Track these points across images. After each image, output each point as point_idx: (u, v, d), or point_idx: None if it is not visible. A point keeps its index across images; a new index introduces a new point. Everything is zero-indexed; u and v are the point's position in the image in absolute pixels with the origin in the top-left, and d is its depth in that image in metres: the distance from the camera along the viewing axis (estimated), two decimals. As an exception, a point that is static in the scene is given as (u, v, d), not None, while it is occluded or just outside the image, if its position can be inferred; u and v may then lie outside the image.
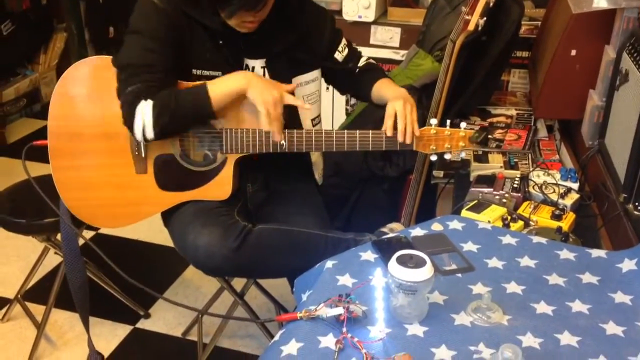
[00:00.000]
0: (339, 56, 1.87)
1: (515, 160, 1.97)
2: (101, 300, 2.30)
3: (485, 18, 1.78)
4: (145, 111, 1.55)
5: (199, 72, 1.67)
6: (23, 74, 3.81)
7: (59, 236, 2.05)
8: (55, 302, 2.19)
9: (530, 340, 1.17)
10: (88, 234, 1.93)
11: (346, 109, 3.14)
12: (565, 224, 1.62)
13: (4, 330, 2.29)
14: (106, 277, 2.31)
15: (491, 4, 1.79)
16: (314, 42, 1.80)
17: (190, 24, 1.62)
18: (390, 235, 1.51)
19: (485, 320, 1.22)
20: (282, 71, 1.77)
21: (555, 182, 1.79)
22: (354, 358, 1.12)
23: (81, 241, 1.83)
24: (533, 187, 1.78)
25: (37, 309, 2.28)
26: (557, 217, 1.63)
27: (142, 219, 1.74)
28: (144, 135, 1.57)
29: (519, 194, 1.76)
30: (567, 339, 1.18)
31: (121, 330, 2.29)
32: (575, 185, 1.80)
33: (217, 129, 1.66)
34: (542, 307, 1.26)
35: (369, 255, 1.42)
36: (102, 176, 1.71)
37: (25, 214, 2.03)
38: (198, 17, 1.63)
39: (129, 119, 1.57)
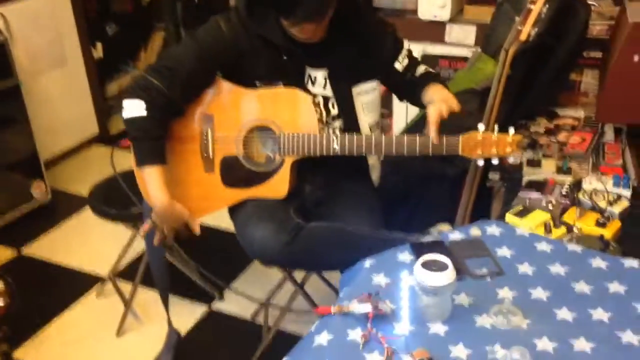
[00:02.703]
0: (399, 66, 1.95)
1: (569, 165, 1.99)
2: (183, 281, 2.54)
3: (537, 29, 1.80)
4: (135, 108, 1.76)
5: (261, 84, 1.83)
6: (125, 71, 4.16)
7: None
8: (142, 281, 2.44)
9: (545, 344, 1.24)
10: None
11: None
12: (609, 231, 1.64)
13: (98, 304, 2.58)
14: (190, 260, 2.55)
15: (543, 15, 1.81)
16: (374, 53, 1.90)
17: (252, 44, 1.79)
18: (428, 238, 1.61)
19: (505, 324, 1.30)
20: (343, 81, 1.89)
21: (605, 189, 1.81)
22: (376, 351, 1.25)
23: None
24: (583, 194, 1.81)
25: (127, 287, 2.55)
26: (601, 225, 1.66)
27: (210, 213, 1.93)
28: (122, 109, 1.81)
29: (567, 201, 1.80)
30: (581, 344, 1.24)
31: (198, 310, 2.52)
32: (627, 192, 1.80)
33: (275, 133, 1.82)
34: (563, 313, 1.32)
35: (405, 256, 1.52)
36: (177, 174, 1.90)
37: (115, 204, 2.28)
38: (264, 33, 1.79)
39: (128, 93, 1.79)
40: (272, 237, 1.74)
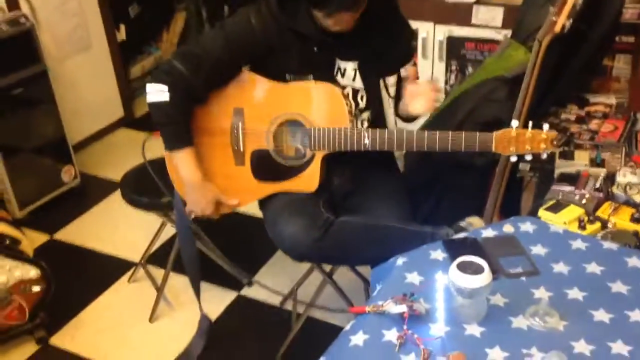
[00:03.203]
0: (403, 73, 1.95)
1: (605, 157, 1.96)
2: (213, 267, 2.57)
3: (571, 20, 1.77)
4: (158, 93, 1.77)
5: (291, 76, 1.83)
6: (148, 52, 4.16)
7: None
8: (173, 267, 2.48)
9: (582, 346, 1.25)
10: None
11: (445, 89, 3.18)
12: (644, 227, 1.63)
13: (130, 290, 2.63)
14: (217, 248, 2.58)
15: (577, 7, 1.78)
16: (394, 49, 1.90)
17: (283, 37, 1.78)
18: (461, 235, 1.61)
19: (542, 325, 1.31)
20: (372, 72, 1.89)
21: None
22: (412, 353, 1.26)
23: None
24: (617, 187, 1.79)
25: (158, 272, 2.60)
26: (636, 220, 1.65)
27: (240, 206, 1.95)
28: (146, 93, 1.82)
29: (601, 194, 1.78)
30: (619, 347, 1.24)
31: (228, 296, 2.56)
32: (663, 186, 1.78)
33: (306, 127, 1.82)
34: (600, 315, 1.32)
35: (438, 254, 1.53)
36: (208, 167, 1.92)
37: (147, 192, 2.31)
38: (295, 25, 1.77)
39: (152, 77, 1.81)
40: (303, 233, 1.75)
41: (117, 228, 3.00)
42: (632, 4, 2.46)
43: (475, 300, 1.30)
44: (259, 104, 1.85)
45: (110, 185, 3.23)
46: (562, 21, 1.76)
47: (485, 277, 1.28)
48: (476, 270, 1.28)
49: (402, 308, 1.32)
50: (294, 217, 1.79)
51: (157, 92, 1.79)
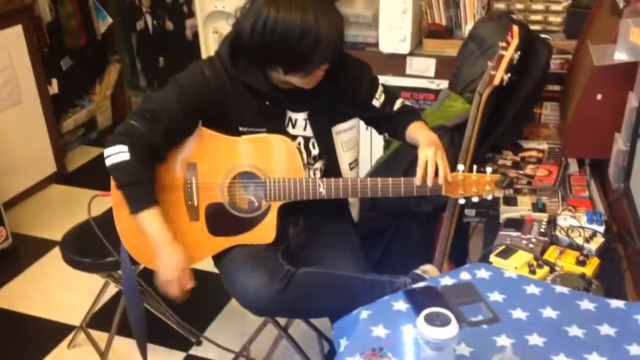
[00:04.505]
0: (376, 103, 2.00)
1: (544, 202, 2.06)
2: (158, 326, 2.48)
3: (509, 74, 1.88)
4: (117, 154, 1.72)
5: (244, 129, 1.83)
6: (80, 105, 4.07)
7: (119, 270, 2.24)
8: (117, 329, 2.38)
9: (548, 392, 1.28)
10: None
11: (384, 137, 3.26)
12: (589, 269, 1.71)
13: (70, 356, 2.50)
14: (164, 304, 2.50)
15: (515, 61, 1.89)
16: (352, 94, 1.94)
17: (235, 90, 1.79)
18: (421, 285, 1.64)
19: (508, 373, 1.33)
20: (322, 121, 1.93)
21: (580, 225, 1.88)
22: (386, 409, 1.26)
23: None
24: (560, 230, 1.88)
25: (100, 336, 2.48)
26: (581, 263, 1.72)
27: (195, 262, 1.90)
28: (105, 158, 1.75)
29: (546, 238, 1.86)
30: (582, 391, 1.28)
31: (176, 357, 2.47)
32: (601, 228, 1.88)
33: (261, 178, 1.82)
34: (561, 360, 1.37)
35: (400, 305, 1.55)
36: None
37: (90, 253, 2.22)
38: (248, 80, 1.79)
39: (110, 141, 1.75)
40: (265, 286, 1.73)
41: (54, 290, 2.86)
42: (557, 55, 2.64)
43: (443, 351, 1.32)
44: (212, 158, 1.84)
45: (45, 244, 3.09)
46: (500, 75, 1.86)
47: (453, 328, 1.30)
48: (443, 321, 1.30)
49: (372, 364, 1.32)
50: (255, 270, 1.77)
51: (116, 154, 1.72)
